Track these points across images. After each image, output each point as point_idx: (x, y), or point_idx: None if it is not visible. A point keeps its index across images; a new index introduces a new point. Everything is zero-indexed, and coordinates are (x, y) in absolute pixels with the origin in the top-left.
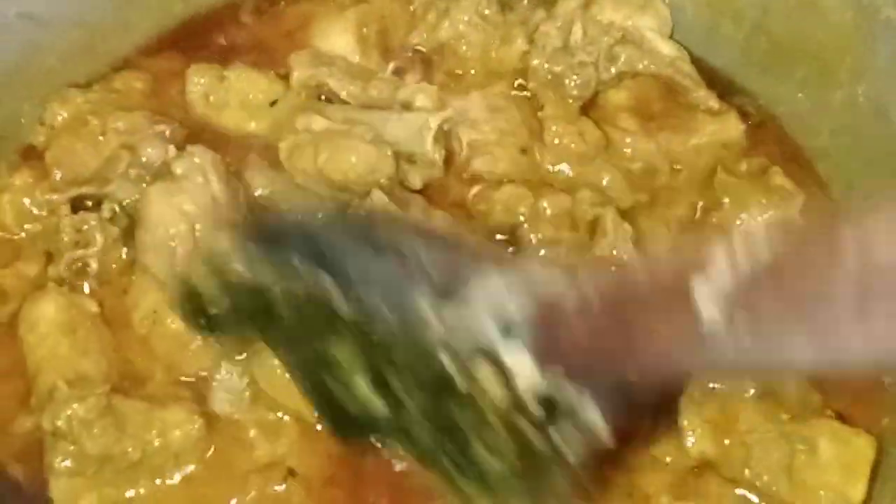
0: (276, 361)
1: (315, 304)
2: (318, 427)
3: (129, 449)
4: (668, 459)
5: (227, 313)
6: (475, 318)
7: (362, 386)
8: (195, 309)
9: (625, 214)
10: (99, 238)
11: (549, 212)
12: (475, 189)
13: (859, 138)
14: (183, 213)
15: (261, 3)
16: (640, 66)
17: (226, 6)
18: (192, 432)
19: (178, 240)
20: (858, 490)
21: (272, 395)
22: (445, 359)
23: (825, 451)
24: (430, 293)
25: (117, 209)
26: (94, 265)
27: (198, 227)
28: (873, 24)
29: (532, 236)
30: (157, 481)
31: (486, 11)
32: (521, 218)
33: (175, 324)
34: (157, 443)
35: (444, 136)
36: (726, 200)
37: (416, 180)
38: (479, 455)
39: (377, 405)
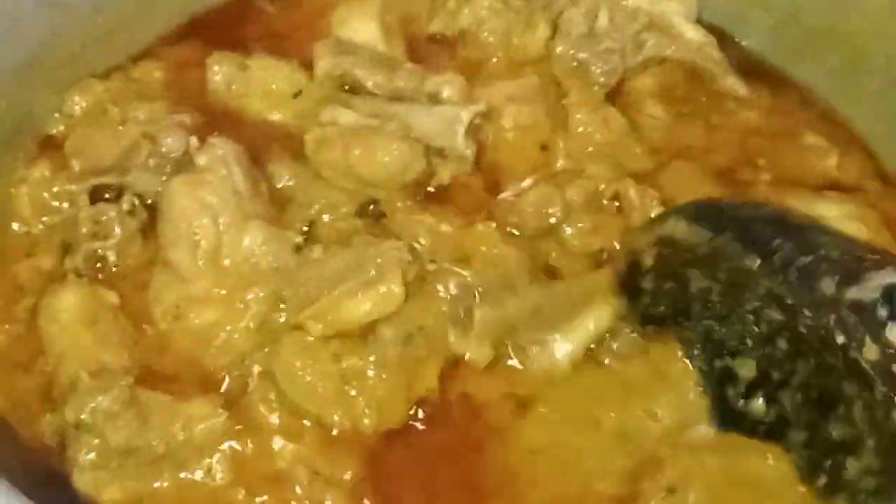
0: (298, 363)
1: (737, 281)
2: (335, 432)
3: (154, 442)
4: None
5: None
6: (869, 300)
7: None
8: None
9: (644, 178)
10: (117, 230)
11: (577, 202)
12: (502, 196)
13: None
14: (206, 205)
15: None
16: (668, 53)
17: None
18: (216, 426)
19: (201, 233)
20: None
21: (292, 397)
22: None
23: None
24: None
25: (136, 203)
26: (111, 257)
27: (221, 220)
28: None
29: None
30: (182, 475)
31: None
32: (553, 220)
33: (199, 319)
34: (181, 436)
35: (475, 131)
36: (761, 161)
37: (445, 175)
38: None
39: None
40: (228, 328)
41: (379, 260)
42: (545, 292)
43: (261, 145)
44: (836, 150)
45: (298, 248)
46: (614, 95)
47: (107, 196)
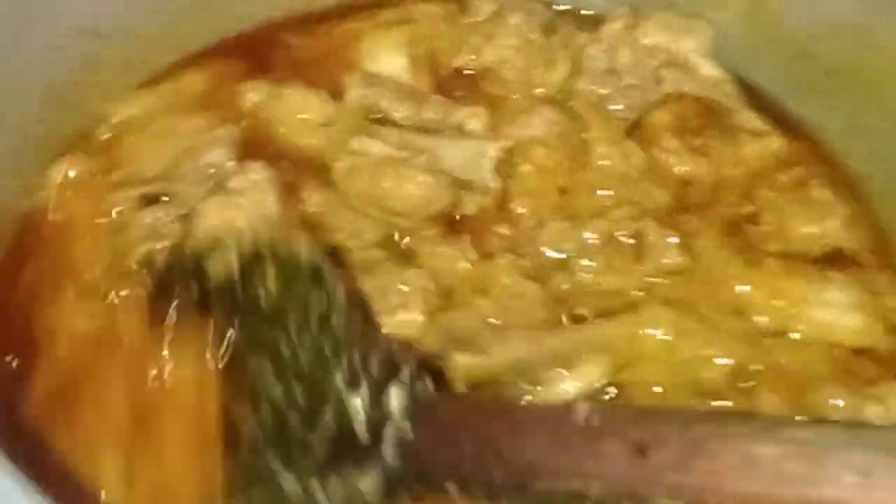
0: None
1: None
2: None
3: None
4: None
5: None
6: None
7: None
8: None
9: (664, 222)
10: (169, 233)
11: (593, 240)
12: (521, 229)
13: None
14: (235, 228)
15: (307, 21)
16: (685, 88)
17: (273, 24)
18: None
19: None
20: None
21: None
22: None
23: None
24: None
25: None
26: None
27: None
28: None
29: (582, 266)
30: None
31: (531, 35)
32: (566, 255)
33: None
34: None
35: (501, 165)
36: (768, 219)
37: (469, 207)
38: None
39: None
40: None
41: (403, 287)
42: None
43: (291, 171)
44: (843, 209)
45: None
46: (632, 130)
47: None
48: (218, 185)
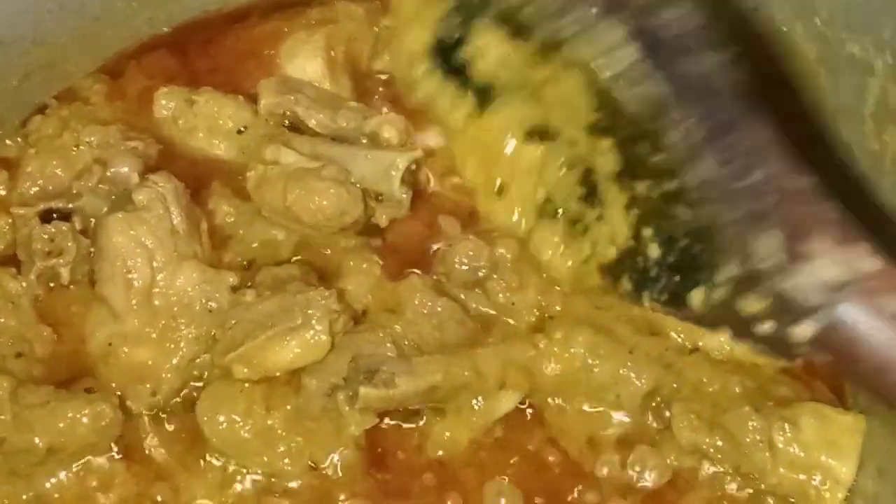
0: (222, 409)
1: None
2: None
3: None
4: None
5: None
6: None
7: None
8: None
9: None
10: (72, 247)
11: (508, 258)
12: (436, 245)
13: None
14: (141, 245)
15: (228, 21)
16: None
17: (191, 25)
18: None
19: (136, 272)
20: (848, 468)
21: (214, 444)
22: None
23: (808, 430)
24: None
25: (90, 222)
26: (65, 274)
27: (156, 260)
28: (837, 59)
29: (496, 284)
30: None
31: None
32: (481, 273)
33: (129, 356)
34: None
35: (412, 176)
36: None
37: (382, 219)
38: None
39: None
40: (158, 368)
41: (308, 309)
42: (456, 362)
43: (204, 180)
44: None
45: (234, 289)
46: None
47: (55, 217)
48: (122, 199)
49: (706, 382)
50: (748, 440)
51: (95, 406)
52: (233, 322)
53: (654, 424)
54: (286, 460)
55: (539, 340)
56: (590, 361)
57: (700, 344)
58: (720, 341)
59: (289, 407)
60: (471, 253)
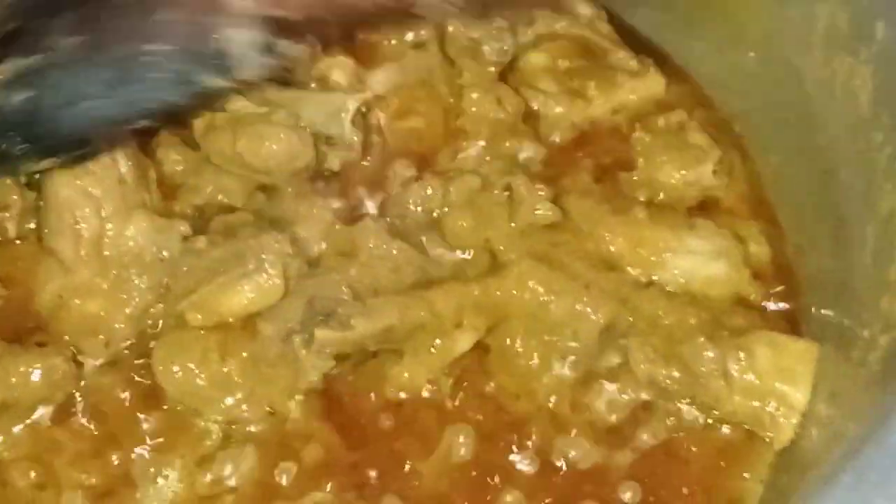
0: (176, 359)
1: None
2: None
3: None
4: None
5: None
6: None
7: None
8: None
9: (536, 174)
10: (17, 200)
11: (456, 197)
12: (390, 186)
13: (772, 100)
14: (89, 196)
15: None
16: (558, 28)
17: None
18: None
19: (84, 223)
20: (801, 394)
21: (171, 394)
22: None
23: (762, 358)
24: None
25: (36, 176)
26: (11, 229)
27: (104, 210)
28: None
29: (452, 224)
30: None
31: None
32: (436, 213)
33: (81, 308)
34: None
35: (363, 118)
36: (641, 160)
37: (334, 163)
38: None
39: None
40: (111, 319)
41: (261, 253)
42: (412, 303)
43: (151, 129)
44: (716, 154)
45: (185, 238)
46: (508, 74)
47: None
48: None
49: (662, 315)
50: (703, 370)
51: (48, 360)
52: (184, 269)
53: (612, 359)
54: (244, 406)
55: (494, 280)
56: (545, 298)
57: (655, 278)
58: (674, 274)
59: (245, 354)
60: (424, 193)
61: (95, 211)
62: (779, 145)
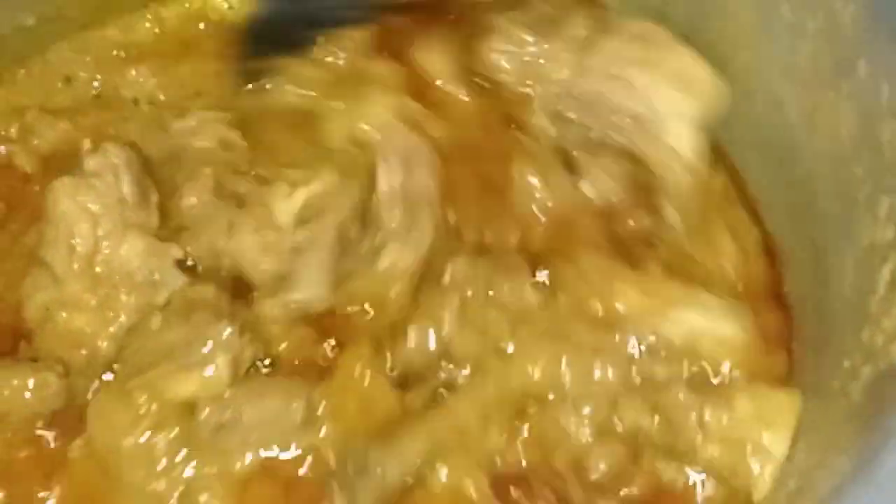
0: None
1: None
2: None
3: None
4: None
5: None
6: None
7: None
8: None
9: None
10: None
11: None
12: None
13: (754, 133)
14: (87, 211)
15: None
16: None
17: None
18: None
19: (79, 238)
20: (781, 444)
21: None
22: None
23: (740, 407)
24: None
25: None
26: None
27: (101, 227)
28: (773, 21)
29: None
30: None
31: None
32: None
33: (67, 322)
34: None
35: None
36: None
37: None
38: None
39: None
40: (95, 335)
41: (210, 344)
42: None
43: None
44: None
45: (179, 263)
46: None
47: None
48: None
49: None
50: (681, 418)
51: (40, 375)
52: (138, 347)
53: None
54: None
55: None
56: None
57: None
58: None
59: (177, 429)
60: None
61: (92, 227)
62: (760, 177)
